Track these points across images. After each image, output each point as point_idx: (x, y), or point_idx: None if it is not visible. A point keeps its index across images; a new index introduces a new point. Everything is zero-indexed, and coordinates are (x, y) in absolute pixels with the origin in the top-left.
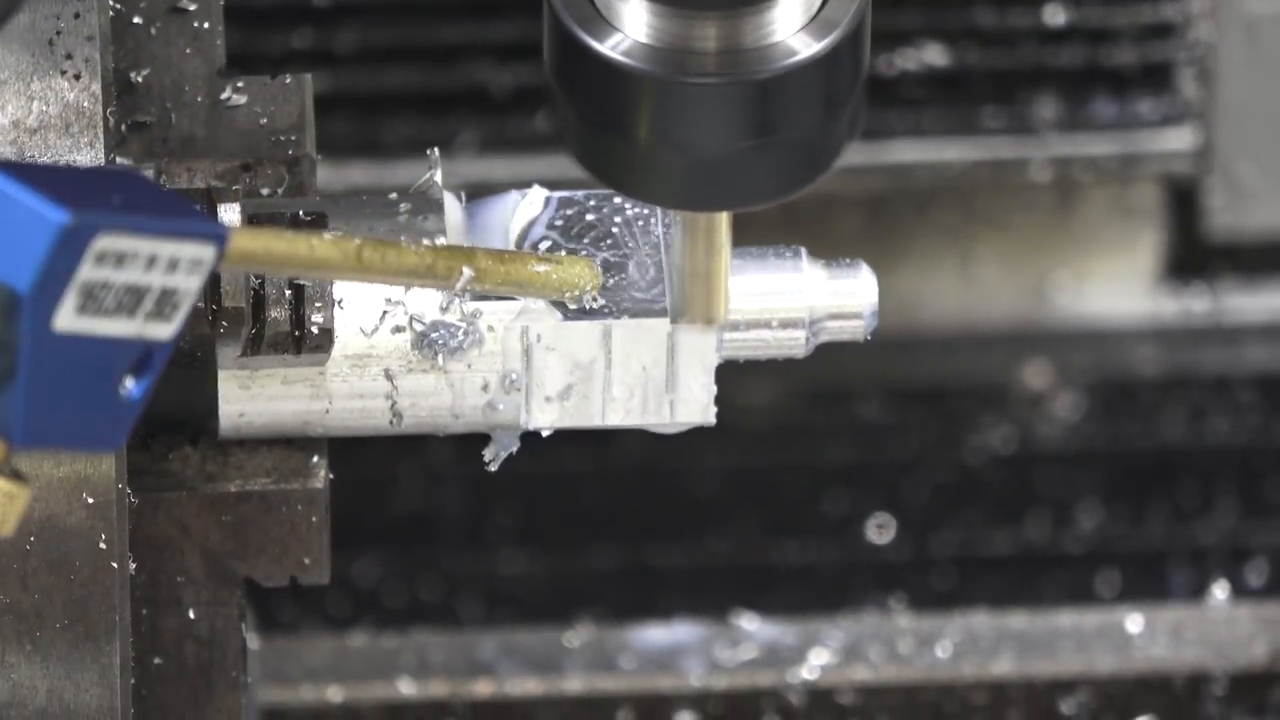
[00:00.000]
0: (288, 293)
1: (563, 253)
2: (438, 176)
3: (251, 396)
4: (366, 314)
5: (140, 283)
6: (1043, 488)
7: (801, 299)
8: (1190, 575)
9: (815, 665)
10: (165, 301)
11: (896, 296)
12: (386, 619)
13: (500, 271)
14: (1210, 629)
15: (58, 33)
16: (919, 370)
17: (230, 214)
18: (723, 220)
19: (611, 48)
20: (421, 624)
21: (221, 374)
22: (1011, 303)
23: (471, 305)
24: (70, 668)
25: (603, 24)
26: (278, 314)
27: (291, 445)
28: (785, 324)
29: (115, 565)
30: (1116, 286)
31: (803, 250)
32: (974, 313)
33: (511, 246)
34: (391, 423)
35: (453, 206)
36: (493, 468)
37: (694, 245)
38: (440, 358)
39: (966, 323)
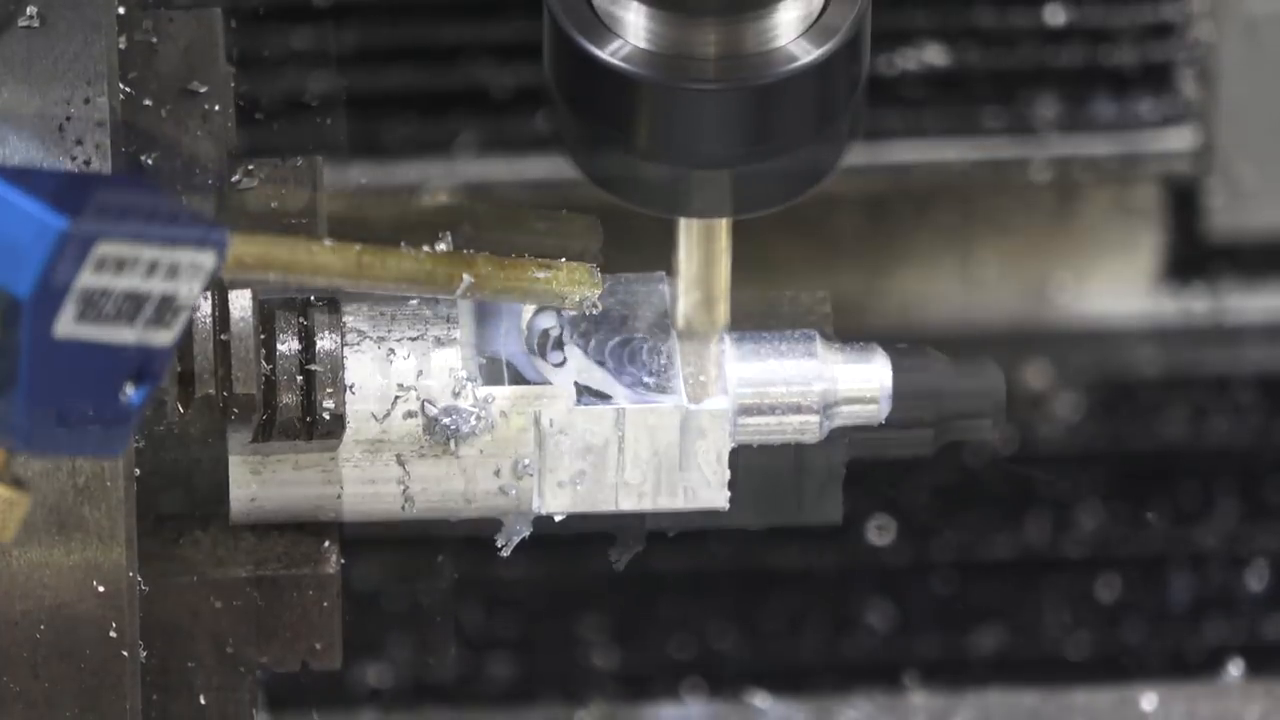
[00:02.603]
0: (299, 379)
1: (563, 260)
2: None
3: (263, 481)
4: (378, 399)
5: (140, 289)
6: (1043, 488)
7: (815, 384)
8: (1191, 580)
9: None
10: (165, 308)
11: (896, 296)
12: (387, 621)
13: (500, 278)
14: (1225, 706)
15: (68, 118)
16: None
17: (242, 299)
18: (722, 227)
19: (612, 54)
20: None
21: (233, 459)
22: (1012, 303)
23: (484, 390)
24: None
25: (603, 30)
26: (289, 400)
27: (303, 530)
28: (799, 409)
29: (126, 654)
30: (1117, 287)
31: (816, 334)
32: (974, 313)
33: (523, 334)
34: (404, 508)
35: None
36: (505, 553)
37: (693, 253)
38: (453, 443)
39: (966, 323)
